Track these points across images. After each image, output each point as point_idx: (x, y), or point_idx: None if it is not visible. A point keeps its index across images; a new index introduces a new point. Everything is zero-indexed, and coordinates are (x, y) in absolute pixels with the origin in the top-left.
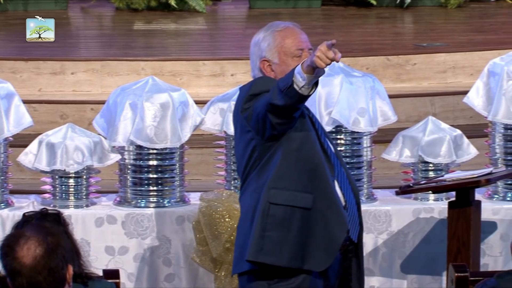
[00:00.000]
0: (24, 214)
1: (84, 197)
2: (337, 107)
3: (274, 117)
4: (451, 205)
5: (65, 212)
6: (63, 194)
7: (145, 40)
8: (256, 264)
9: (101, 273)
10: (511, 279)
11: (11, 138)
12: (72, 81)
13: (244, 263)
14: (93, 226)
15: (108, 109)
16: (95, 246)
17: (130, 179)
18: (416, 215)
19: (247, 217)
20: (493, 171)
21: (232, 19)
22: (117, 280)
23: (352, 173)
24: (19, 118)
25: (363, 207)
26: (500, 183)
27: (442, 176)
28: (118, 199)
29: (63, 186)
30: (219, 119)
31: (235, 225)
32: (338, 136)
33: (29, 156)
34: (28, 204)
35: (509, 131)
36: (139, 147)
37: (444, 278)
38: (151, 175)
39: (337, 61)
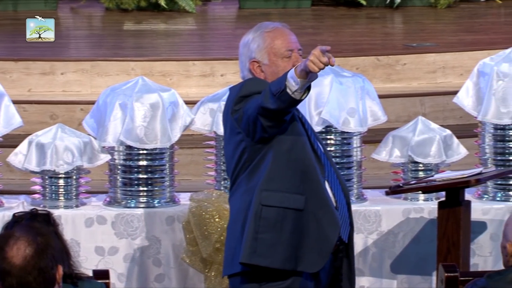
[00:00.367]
0: (14, 215)
1: (74, 197)
2: (327, 107)
3: (265, 120)
4: (441, 205)
5: (55, 212)
6: (53, 195)
7: (135, 40)
8: (249, 266)
9: (91, 274)
10: (501, 279)
11: (0, 139)
12: (62, 82)
13: (236, 265)
14: (83, 226)
15: (98, 110)
16: (85, 246)
17: (120, 179)
18: (406, 215)
19: (238, 219)
20: (483, 171)
21: (222, 19)
22: (107, 281)
23: (342, 173)
24: (9, 119)
25: (353, 207)
26: (490, 183)
27: (432, 176)
28: (108, 199)
29: (53, 187)
30: (209, 119)
31: (225, 225)
32: (328, 136)
33: (19, 157)
34: (18, 205)
35: (498, 131)
36: (129, 147)
37: (434, 278)
38: (141, 176)
39: (332, 65)
